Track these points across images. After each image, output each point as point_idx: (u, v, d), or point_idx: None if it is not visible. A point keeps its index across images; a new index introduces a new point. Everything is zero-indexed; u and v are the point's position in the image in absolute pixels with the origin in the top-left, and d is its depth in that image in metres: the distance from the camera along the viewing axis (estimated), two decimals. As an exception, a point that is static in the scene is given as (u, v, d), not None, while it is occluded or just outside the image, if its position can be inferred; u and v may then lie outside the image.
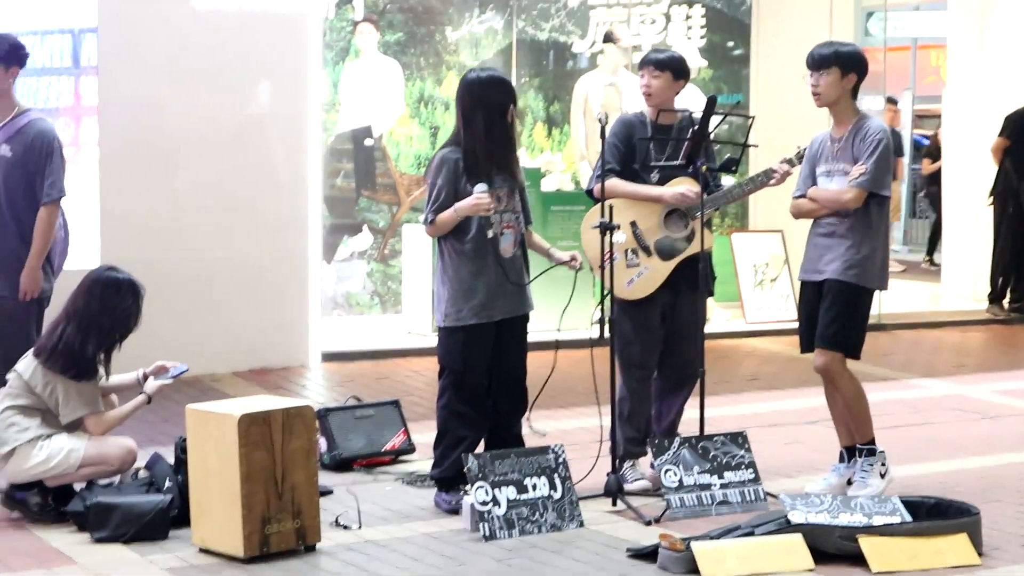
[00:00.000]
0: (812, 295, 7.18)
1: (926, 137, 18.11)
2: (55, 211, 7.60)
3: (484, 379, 7.01)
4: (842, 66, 7.02)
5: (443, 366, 7.06)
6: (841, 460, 7.24)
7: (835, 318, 7.04)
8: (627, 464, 7.32)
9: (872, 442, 7.16)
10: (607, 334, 7.22)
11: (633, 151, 7.34)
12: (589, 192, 7.38)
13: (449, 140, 7.10)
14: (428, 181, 7.01)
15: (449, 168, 6.90)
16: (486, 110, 6.95)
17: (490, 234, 6.91)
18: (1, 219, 7.57)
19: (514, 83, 12.59)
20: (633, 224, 7.33)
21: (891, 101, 17.56)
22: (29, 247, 7.52)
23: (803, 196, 7.26)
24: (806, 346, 7.26)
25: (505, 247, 6.96)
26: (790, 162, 7.45)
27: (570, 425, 8.61)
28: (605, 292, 7.20)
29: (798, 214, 7.36)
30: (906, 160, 19.24)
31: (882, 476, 7.08)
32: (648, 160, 7.31)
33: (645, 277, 7.32)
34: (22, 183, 7.55)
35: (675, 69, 7.38)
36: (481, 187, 6.86)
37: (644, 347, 7.36)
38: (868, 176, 6.94)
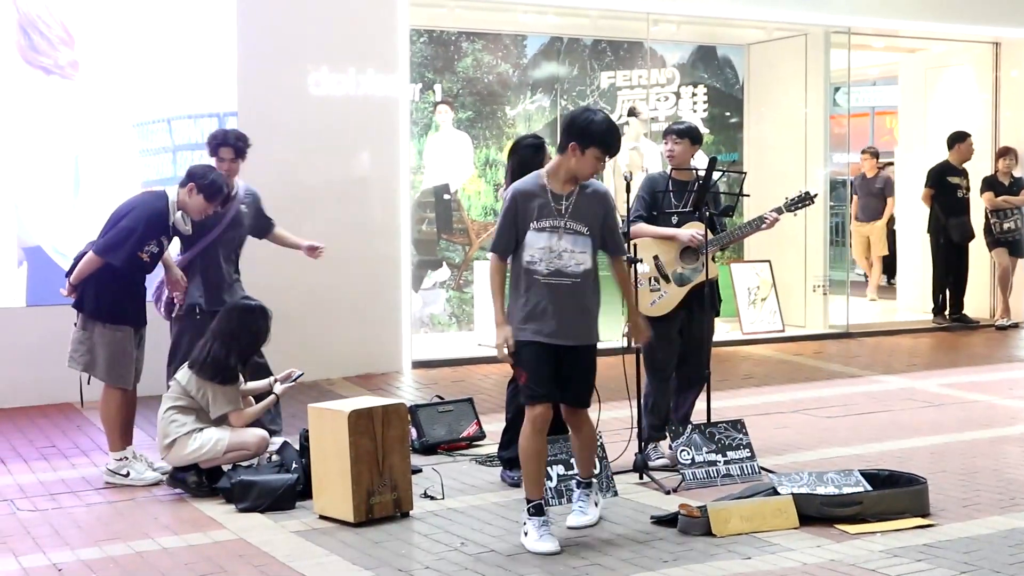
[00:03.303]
0: None
1: None
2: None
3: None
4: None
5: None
6: (579, 486, 6.12)
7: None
8: (651, 446, 7.26)
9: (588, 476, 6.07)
10: (634, 344, 7.16)
11: (656, 201, 7.30)
12: (624, 233, 7.30)
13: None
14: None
15: None
16: (530, 167, 6.91)
17: None
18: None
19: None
20: (656, 258, 7.28)
21: (872, 153, 16.51)
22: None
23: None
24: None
25: None
26: (778, 210, 7.35)
27: (606, 416, 8.49)
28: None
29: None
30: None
31: (596, 505, 6.09)
32: (666, 208, 7.27)
33: (665, 299, 7.27)
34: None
35: (692, 136, 7.34)
36: None
37: (665, 354, 7.28)
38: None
